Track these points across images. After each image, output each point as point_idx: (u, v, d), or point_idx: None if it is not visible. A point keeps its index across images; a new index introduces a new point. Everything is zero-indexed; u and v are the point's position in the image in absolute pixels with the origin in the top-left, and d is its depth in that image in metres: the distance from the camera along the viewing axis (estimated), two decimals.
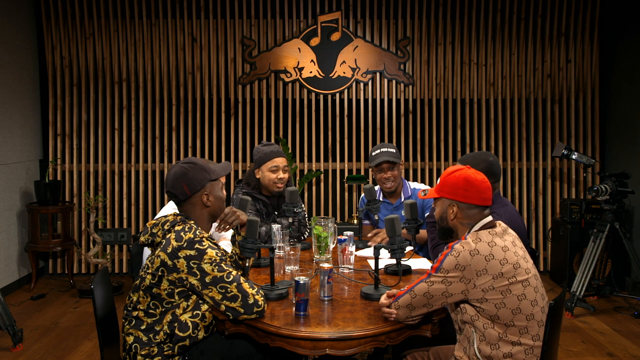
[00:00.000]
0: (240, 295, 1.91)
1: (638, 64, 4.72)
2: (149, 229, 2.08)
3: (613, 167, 5.05)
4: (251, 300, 1.91)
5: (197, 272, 1.92)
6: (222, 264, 1.95)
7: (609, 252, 4.41)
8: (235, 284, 1.92)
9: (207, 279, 1.92)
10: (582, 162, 4.37)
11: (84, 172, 5.16)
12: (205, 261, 1.92)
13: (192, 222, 2.05)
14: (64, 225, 4.78)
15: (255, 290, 1.95)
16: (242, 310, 1.91)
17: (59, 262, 5.17)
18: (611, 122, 5.16)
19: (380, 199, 3.21)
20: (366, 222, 3.30)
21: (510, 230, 1.92)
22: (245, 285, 1.94)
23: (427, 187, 3.26)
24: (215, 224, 2.31)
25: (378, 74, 5.20)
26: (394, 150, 3.14)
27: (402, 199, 3.19)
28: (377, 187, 3.24)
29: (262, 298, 1.95)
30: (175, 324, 1.99)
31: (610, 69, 5.18)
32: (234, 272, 1.96)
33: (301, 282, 1.92)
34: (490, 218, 1.92)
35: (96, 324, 2.11)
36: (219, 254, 1.97)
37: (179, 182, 2.07)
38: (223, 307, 1.93)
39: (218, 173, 2.15)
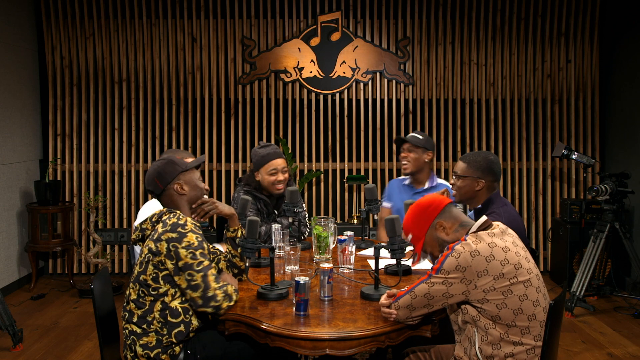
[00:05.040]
0: (202, 286, 1.94)
1: (638, 64, 4.72)
2: (139, 226, 2.13)
3: (613, 167, 5.05)
4: (210, 294, 1.94)
5: (173, 256, 1.96)
6: (197, 252, 1.97)
7: (609, 252, 4.41)
8: (201, 274, 1.95)
9: (180, 264, 1.96)
10: (582, 162, 4.36)
11: (84, 172, 5.16)
12: (182, 245, 1.95)
13: (179, 212, 2.09)
14: (64, 225, 4.77)
15: (220, 285, 1.97)
16: (200, 302, 1.94)
17: (59, 262, 5.17)
18: (611, 122, 5.16)
19: (407, 183, 3.28)
20: (386, 204, 3.32)
21: (510, 231, 1.92)
22: (211, 279, 1.96)
23: (448, 184, 3.23)
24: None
25: (378, 74, 5.20)
26: (421, 137, 3.19)
27: (426, 187, 3.22)
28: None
29: (223, 295, 1.96)
30: (167, 312, 2.01)
31: (610, 69, 5.18)
32: (206, 263, 1.98)
33: (301, 282, 1.92)
34: (484, 218, 1.92)
35: (96, 324, 2.11)
36: (199, 240, 1.99)
37: (151, 177, 2.14)
38: (188, 296, 1.97)
39: (187, 164, 2.20)
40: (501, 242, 1.82)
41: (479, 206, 2.55)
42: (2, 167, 4.51)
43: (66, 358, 3.40)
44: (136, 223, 2.22)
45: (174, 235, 1.96)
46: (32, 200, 4.90)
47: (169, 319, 2.00)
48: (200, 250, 1.98)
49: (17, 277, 4.72)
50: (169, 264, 1.97)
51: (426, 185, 3.23)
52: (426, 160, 3.21)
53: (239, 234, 2.32)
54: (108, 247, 5.18)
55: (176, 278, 1.97)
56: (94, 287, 2.11)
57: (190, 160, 2.25)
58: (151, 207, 2.79)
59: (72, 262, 4.91)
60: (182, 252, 1.95)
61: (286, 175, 3.05)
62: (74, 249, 4.90)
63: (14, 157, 4.69)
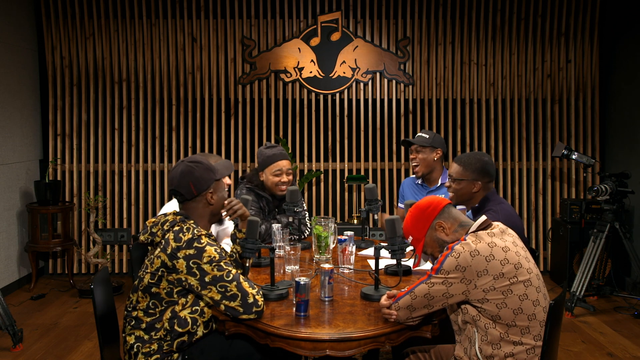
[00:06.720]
0: (239, 294, 1.91)
1: (638, 64, 4.72)
2: (148, 228, 2.08)
3: (613, 167, 5.05)
4: (250, 300, 1.91)
5: (197, 272, 1.92)
6: (222, 263, 1.95)
7: (609, 252, 4.41)
8: (235, 283, 1.92)
9: (207, 279, 1.92)
10: (582, 162, 4.36)
11: (84, 172, 5.16)
12: (204, 260, 1.92)
13: (192, 221, 2.05)
14: (64, 225, 4.77)
15: (256, 290, 1.95)
16: (241, 310, 1.91)
17: (59, 262, 5.17)
18: (611, 122, 5.16)
19: (419, 182, 3.32)
20: (401, 205, 3.36)
21: (510, 231, 1.92)
22: (245, 285, 1.94)
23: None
24: (214, 227, 2.31)
25: (378, 74, 5.20)
26: (428, 136, 3.22)
27: (439, 184, 3.25)
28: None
29: (262, 298, 1.95)
30: (175, 320, 1.99)
31: (610, 69, 5.18)
32: (234, 271, 1.96)
33: (302, 282, 1.92)
34: (484, 218, 1.92)
35: (96, 324, 2.11)
36: (218, 251, 1.97)
37: (186, 180, 2.07)
38: (222, 307, 1.93)
39: (222, 173, 2.18)
40: (501, 241, 1.82)
41: (476, 205, 2.56)
42: (2, 167, 4.51)
43: (66, 358, 3.40)
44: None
45: (191, 252, 1.93)
46: (32, 200, 4.90)
47: (175, 327, 1.99)
48: (224, 261, 1.96)
49: (17, 277, 4.72)
50: (193, 281, 1.93)
51: (439, 183, 3.26)
52: (435, 158, 3.22)
53: None
54: (108, 247, 5.18)
55: (204, 292, 1.93)
56: (94, 287, 2.10)
57: (215, 164, 2.21)
58: (174, 206, 2.71)
59: (72, 262, 4.91)
60: (207, 267, 1.92)
61: (290, 177, 3.07)
62: (74, 249, 4.90)
63: (14, 157, 4.69)
